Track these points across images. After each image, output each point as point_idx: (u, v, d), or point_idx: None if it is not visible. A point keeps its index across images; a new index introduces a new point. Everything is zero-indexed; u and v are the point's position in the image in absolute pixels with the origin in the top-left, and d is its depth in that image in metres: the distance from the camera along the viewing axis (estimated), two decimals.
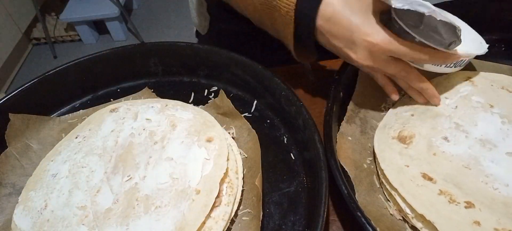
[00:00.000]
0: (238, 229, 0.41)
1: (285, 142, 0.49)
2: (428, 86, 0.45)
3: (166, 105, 0.51)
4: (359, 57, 0.42)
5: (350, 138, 0.46)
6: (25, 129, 0.51)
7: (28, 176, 0.48)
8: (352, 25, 0.40)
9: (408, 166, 0.40)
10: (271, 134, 0.50)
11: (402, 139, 0.43)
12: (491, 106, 0.44)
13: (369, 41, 0.40)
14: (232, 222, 0.41)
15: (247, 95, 0.55)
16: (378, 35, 0.40)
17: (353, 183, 0.42)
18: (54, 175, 0.46)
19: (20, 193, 0.46)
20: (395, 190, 0.39)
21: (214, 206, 0.40)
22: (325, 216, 0.36)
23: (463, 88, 0.47)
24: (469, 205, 0.36)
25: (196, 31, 0.76)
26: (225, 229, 0.40)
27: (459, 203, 0.36)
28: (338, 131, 0.46)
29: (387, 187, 0.41)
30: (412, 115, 0.46)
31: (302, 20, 0.43)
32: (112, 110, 0.52)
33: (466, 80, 0.49)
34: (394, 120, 0.46)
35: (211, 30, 0.71)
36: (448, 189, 0.38)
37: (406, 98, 0.49)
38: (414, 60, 0.42)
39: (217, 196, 0.40)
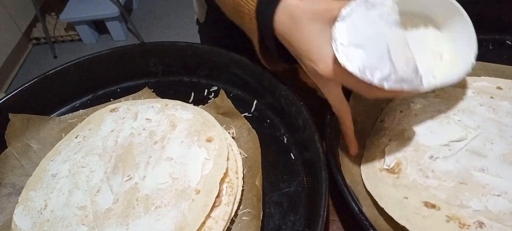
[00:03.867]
0: (238, 229, 0.41)
1: (285, 142, 0.49)
2: (349, 135, 0.43)
3: (166, 105, 0.51)
4: (309, 73, 0.40)
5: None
6: (25, 129, 0.51)
7: (28, 176, 0.48)
8: (301, 49, 0.37)
9: (407, 198, 0.39)
10: (271, 134, 0.50)
11: (390, 170, 0.42)
12: (462, 111, 0.44)
13: (314, 69, 0.37)
14: (232, 222, 0.41)
15: (247, 95, 0.55)
16: (324, 65, 0.36)
17: (358, 198, 0.41)
18: (54, 175, 0.46)
19: (20, 193, 0.46)
20: (403, 228, 0.37)
21: (214, 206, 0.40)
22: (325, 216, 0.36)
23: (428, 101, 0.46)
24: (479, 224, 0.35)
25: (197, 19, 0.77)
26: (225, 229, 0.40)
27: (469, 226, 0.35)
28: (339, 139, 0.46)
29: None
30: (390, 140, 0.44)
31: (263, 30, 0.40)
32: (112, 110, 0.52)
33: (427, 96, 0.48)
34: (375, 150, 0.44)
35: (208, 19, 0.71)
36: (454, 213, 0.36)
37: (378, 123, 0.47)
38: (362, 93, 0.38)
39: (217, 196, 0.40)
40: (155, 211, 0.40)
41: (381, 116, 0.49)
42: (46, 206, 0.43)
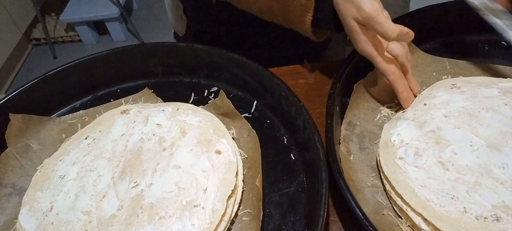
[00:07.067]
0: (238, 229, 0.41)
1: (285, 142, 0.49)
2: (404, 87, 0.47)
3: (177, 109, 0.50)
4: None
5: (351, 158, 0.45)
6: (25, 129, 0.51)
7: (28, 176, 0.48)
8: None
9: (424, 187, 0.39)
10: (271, 134, 0.50)
11: (409, 159, 0.42)
12: (485, 109, 0.44)
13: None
14: (232, 222, 0.41)
15: (247, 95, 0.55)
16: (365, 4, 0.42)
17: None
18: (62, 176, 0.45)
19: (20, 193, 0.46)
20: (420, 215, 0.38)
21: None
22: (325, 216, 0.36)
23: (452, 97, 0.47)
24: (496, 218, 0.36)
25: (174, 32, 0.76)
26: (225, 229, 0.40)
27: (486, 218, 0.36)
28: (338, 140, 0.46)
29: (398, 202, 0.40)
30: (411, 130, 0.44)
31: (321, 5, 0.46)
32: (123, 112, 0.51)
33: (452, 88, 0.48)
34: (394, 136, 0.45)
35: (188, 32, 0.72)
36: (472, 205, 0.37)
37: (400, 113, 0.48)
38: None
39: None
40: (159, 221, 0.39)
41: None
42: (51, 208, 0.43)
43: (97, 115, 0.54)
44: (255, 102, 0.54)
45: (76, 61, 0.57)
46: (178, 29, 0.73)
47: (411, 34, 0.44)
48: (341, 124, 0.48)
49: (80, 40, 2.29)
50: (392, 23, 0.42)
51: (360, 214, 0.36)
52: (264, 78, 0.51)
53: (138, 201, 0.41)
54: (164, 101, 0.55)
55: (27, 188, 0.46)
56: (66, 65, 0.56)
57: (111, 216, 0.40)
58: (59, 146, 0.50)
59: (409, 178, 0.40)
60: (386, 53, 0.46)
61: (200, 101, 0.55)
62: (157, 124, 0.49)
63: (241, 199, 0.43)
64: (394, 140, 0.44)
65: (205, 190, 0.41)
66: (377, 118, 0.49)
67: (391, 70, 0.45)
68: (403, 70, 0.47)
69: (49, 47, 2.23)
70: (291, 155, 0.47)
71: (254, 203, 0.42)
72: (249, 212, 0.42)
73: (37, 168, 0.48)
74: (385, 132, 0.46)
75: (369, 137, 0.48)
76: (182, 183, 0.42)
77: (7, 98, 0.52)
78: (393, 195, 0.41)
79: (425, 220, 0.37)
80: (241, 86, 0.56)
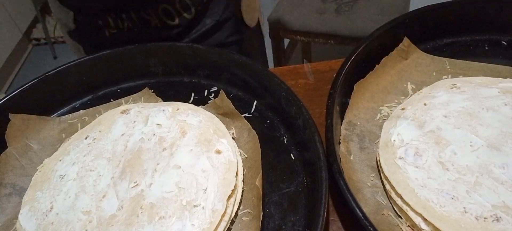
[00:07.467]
0: (238, 229, 0.41)
1: (285, 142, 0.49)
2: None
3: (177, 109, 0.50)
4: None
5: (351, 158, 0.45)
6: (25, 129, 0.51)
7: (28, 176, 0.48)
8: None
9: (424, 187, 0.39)
10: (271, 134, 0.50)
11: (409, 159, 0.42)
12: (485, 109, 0.44)
13: None
14: (232, 222, 0.41)
15: (247, 95, 0.55)
16: None
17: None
18: (61, 176, 0.45)
19: (20, 193, 0.46)
20: (420, 215, 0.38)
21: None
22: (325, 216, 0.36)
23: (452, 97, 0.47)
24: (496, 218, 0.36)
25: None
26: (225, 229, 0.40)
27: (486, 218, 0.36)
28: (338, 141, 0.46)
29: (398, 202, 0.40)
30: (411, 129, 0.44)
31: None
32: (123, 112, 0.51)
33: (452, 88, 0.48)
34: (393, 135, 0.45)
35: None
36: (472, 205, 0.37)
37: (398, 110, 0.48)
38: None
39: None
40: (159, 221, 0.39)
41: (402, 104, 0.49)
42: (51, 208, 0.43)
43: (97, 115, 0.54)
44: (255, 102, 0.54)
45: (76, 61, 0.57)
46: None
47: None
48: (341, 124, 0.48)
49: None
50: None
51: (360, 214, 0.36)
52: (264, 78, 0.51)
53: (138, 201, 0.41)
54: (164, 101, 0.55)
55: (27, 188, 0.46)
56: (66, 65, 0.56)
57: (111, 216, 0.40)
58: (59, 146, 0.50)
59: (409, 178, 0.40)
60: None
61: (200, 101, 0.55)
62: (157, 124, 0.49)
63: (241, 199, 0.43)
64: (394, 140, 0.44)
65: (205, 190, 0.41)
66: (377, 118, 0.49)
67: None
68: None
69: (49, 47, 2.23)
70: (291, 155, 0.47)
71: (254, 203, 0.42)
72: (249, 212, 0.42)
73: (37, 168, 0.48)
74: (384, 131, 0.46)
75: (369, 136, 0.48)
76: (182, 183, 0.42)
77: (7, 98, 0.52)
78: (393, 195, 0.41)
79: (425, 220, 0.37)
80: (241, 86, 0.56)
